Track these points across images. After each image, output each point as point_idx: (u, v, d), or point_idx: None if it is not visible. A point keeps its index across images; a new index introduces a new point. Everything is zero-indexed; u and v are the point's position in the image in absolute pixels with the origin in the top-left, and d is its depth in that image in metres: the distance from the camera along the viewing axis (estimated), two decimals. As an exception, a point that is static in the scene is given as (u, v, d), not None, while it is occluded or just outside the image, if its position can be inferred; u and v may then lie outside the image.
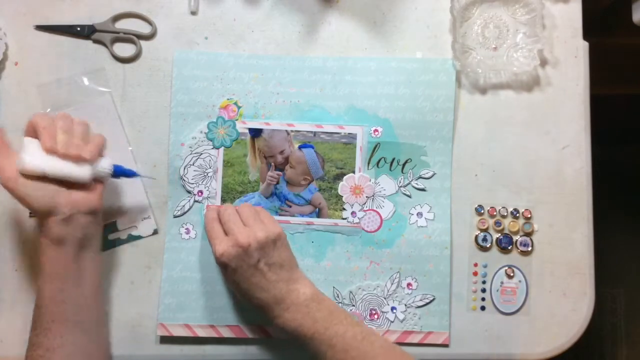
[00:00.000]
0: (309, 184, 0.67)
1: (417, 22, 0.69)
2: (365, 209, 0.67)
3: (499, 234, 0.67)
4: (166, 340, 0.65)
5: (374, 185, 0.67)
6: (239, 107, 0.68)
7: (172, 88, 0.67)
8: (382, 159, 0.67)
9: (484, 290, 0.66)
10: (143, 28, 0.68)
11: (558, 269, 0.66)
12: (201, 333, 0.65)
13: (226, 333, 0.65)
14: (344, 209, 0.67)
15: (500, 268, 0.66)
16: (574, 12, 0.69)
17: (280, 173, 0.67)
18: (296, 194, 0.67)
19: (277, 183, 0.67)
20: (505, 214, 0.67)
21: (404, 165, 0.67)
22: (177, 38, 0.68)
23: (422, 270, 0.66)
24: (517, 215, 0.67)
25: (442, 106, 0.67)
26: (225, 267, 0.59)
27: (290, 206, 0.67)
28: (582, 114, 0.68)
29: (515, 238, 0.67)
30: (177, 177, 0.67)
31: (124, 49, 0.68)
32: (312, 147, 0.67)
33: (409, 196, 0.67)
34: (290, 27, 0.69)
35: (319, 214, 0.67)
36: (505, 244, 0.66)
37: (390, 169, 0.67)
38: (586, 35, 0.69)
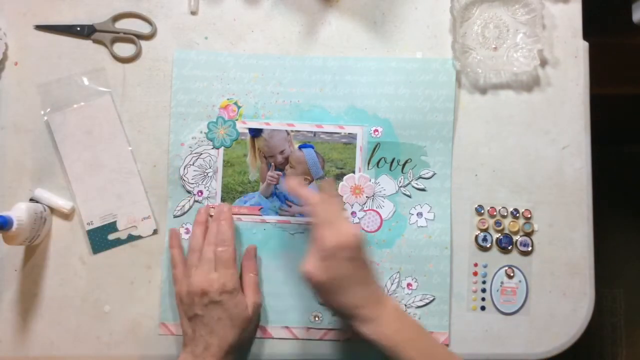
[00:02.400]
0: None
1: (417, 22, 0.69)
2: (365, 209, 0.67)
3: (499, 234, 0.67)
4: (166, 340, 0.65)
5: (374, 185, 0.67)
6: (239, 107, 0.68)
7: (172, 88, 0.67)
8: (382, 159, 0.67)
9: (484, 290, 0.66)
10: (143, 28, 0.68)
11: (558, 269, 0.66)
12: (201, 333, 0.65)
13: (226, 333, 0.65)
14: (344, 209, 0.67)
15: (501, 268, 0.66)
16: (574, 12, 0.69)
17: (280, 173, 0.67)
18: (296, 194, 0.67)
19: (277, 183, 0.67)
20: (505, 214, 0.67)
21: (404, 165, 0.67)
22: (177, 38, 0.68)
23: (422, 270, 0.66)
24: (517, 215, 0.67)
25: (442, 106, 0.67)
26: (329, 259, 0.55)
27: (290, 206, 0.67)
28: (582, 114, 0.68)
29: (515, 238, 0.67)
30: (177, 177, 0.67)
31: (124, 49, 0.68)
32: (312, 147, 0.67)
33: (409, 196, 0.67)
34: (290, 27, 0.69)
35: (319, 214, 0.67)
36: (505, 244, 0.66)
37: (390, 169, 0.67)
38: (586, 35, 0.69)
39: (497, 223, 0.67)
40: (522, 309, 0.66)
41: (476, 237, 0.67)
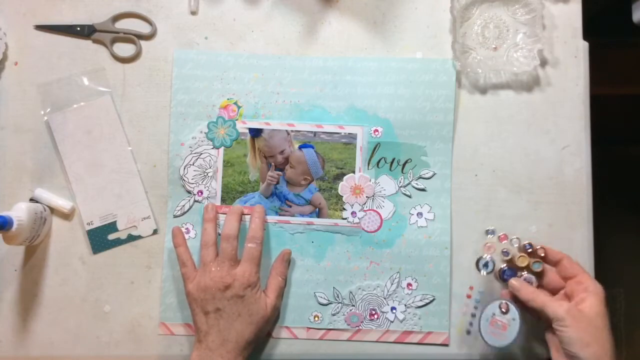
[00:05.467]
0: (309, 184, 0.67)
1: (417, 22, 0.69)
2: (365, 209, 0.67)
3: (504, 264, 0.62)
4: (166, 339, 0.66)
5: (374, 185, 0.67)
6: (239, 107, 0.68)
7: (172, 88, 0.67)
8: (382, 159, 0.67)
9: (473, 315, 0.65)
10: (143, 28, 0.68)
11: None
12: (201, 333, 0.65)
13: (226, 333, 0.65)
14: (344, 209, 0.67)
15: (496, 300, 0.61)
16: (574, 12, 0.69)
17: (280, 173, 0.67)
18: (296, 194, 0.67)
19: (277, 183, 0.67)
20: (518, 244, 0.63)
21: (404, 165, 0.67)
22: (177, 38, 0.68)
23: (422, 271, 0.66)
24: (530, 250, 0.61)
25: (442, 106, 0.67)
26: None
27: (290, 206, 0.67)
28: (582, 114, 0.68)
29: (520, 273, 0.62)
30: (177, 177, 0.67)
31: (124, 49, 0.68)
32: (312, 147, 0.67)
33: (409, 196, 0.67)
34: (290, 27, 0.69)
35: (319, 214, 0.67)
36: (508, 277, 0.61)
37: (390, 169, 0.67)
38: (586, 35, 0.69)
39: (505, 253, 0.62)
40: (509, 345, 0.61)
41: (478, 260, 0.64)
